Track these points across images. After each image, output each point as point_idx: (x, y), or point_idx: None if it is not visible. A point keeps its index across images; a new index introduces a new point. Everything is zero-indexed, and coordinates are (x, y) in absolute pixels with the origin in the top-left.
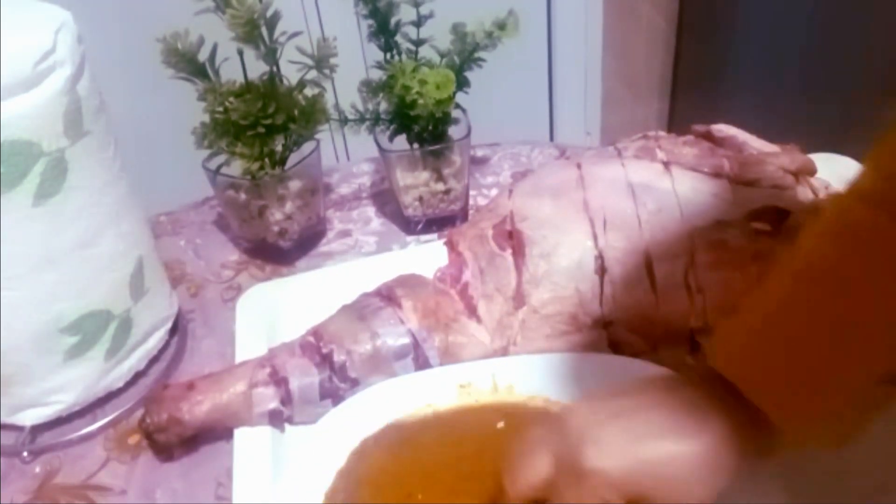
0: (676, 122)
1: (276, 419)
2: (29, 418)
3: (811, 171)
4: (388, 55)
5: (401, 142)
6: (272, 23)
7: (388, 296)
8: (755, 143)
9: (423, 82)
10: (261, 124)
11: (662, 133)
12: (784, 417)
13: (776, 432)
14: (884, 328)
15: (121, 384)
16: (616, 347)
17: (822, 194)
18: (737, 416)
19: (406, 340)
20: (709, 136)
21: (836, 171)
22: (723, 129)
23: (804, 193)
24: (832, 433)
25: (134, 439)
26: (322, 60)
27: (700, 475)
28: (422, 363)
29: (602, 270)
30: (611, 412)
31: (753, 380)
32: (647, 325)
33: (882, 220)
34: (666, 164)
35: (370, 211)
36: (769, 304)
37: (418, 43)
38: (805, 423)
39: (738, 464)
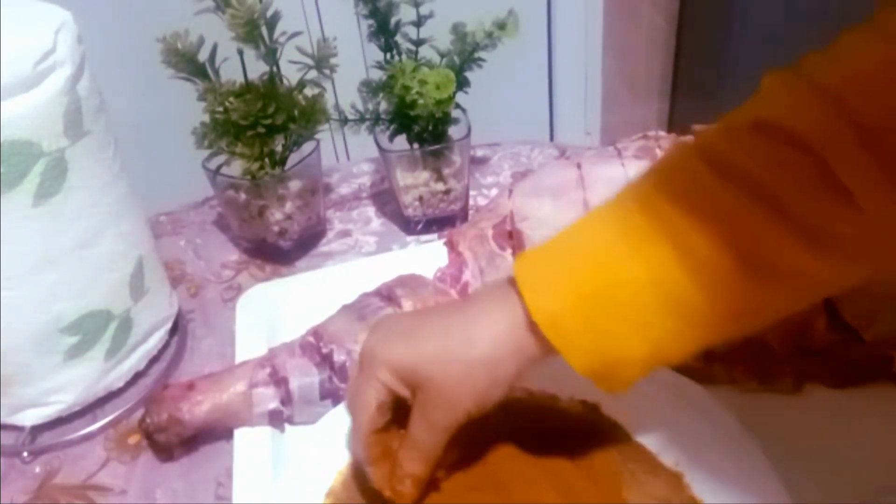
0: (677, 122)
1: (276, 419)
2: (29, 418)
3: None
4: (388, 55)
5: (401, 142)
6: (272, 23)
7: (388, 296)
8: None
9: (423, 82)
10: (261, 124)
11: (662, 133)
12: (568, 353)
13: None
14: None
15: (121, 384)
16: None
17: None
18: (522, 335)
19: None
20: None
21: None
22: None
23: None
24: (615, 379)
25: (134, 439)
26: (322, 60)
27: (472, 379)
28: None
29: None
30: (408, 316)
31: (549, 317)
32: None
33: (698, 164)
34: None
35: (370, 211)
36: (577, 235)
37: (418, 43)
38: (588, 364)
39: (510, 379)
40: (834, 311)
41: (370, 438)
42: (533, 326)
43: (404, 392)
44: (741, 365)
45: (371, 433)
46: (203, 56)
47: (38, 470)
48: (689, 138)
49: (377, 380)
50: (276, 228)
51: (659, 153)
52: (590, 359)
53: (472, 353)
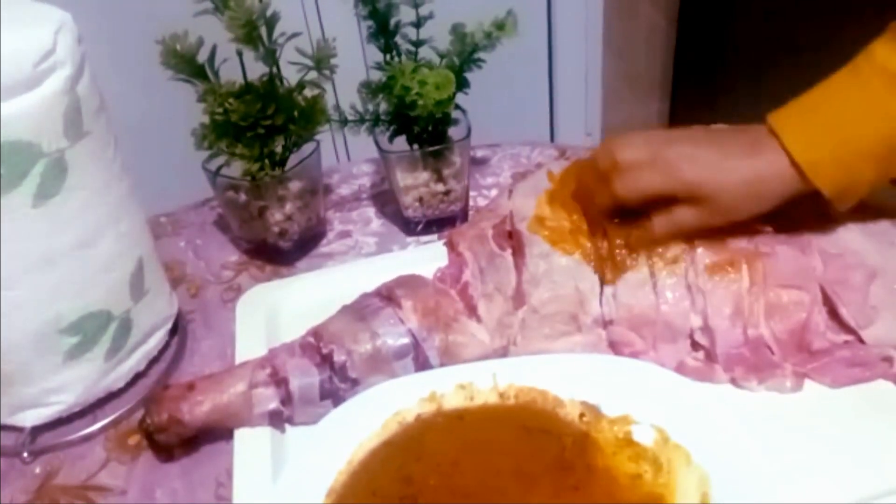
0: (677, 122)
1: (277, 419)
2: (29, 419)
3: None
4: (388, 56)
5: (401, 143)
6: (271, 24)
7: (387, 296)
8: None
9: (422, 83)
10: (261, 125)
11: None
12: (822, 182)
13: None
14: None
15: (121, 385)
16: (616, 347)
17: None
18: (786, 164)
19: (406, 340)
20: None
21: None
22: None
23: None
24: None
25: (134, 440)
26: (322, 61)
27: (752, 188)
28: (422, 363)
29: (602, 270)
30: (698, 137)
31: (805, 150)
32: (648, 325)
33: None
34: None
35: (370, 212)
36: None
37: (418, 44)
38: (834, 191)
39: (781, 196)
40: (834, 310)
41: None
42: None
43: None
44: (741, 364)
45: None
46: (202, 57)
47: (38, 470)
48: None
49: (664, 179)
50: (276, 229)
51: None
52: (838, 190)
53: (747, 173)
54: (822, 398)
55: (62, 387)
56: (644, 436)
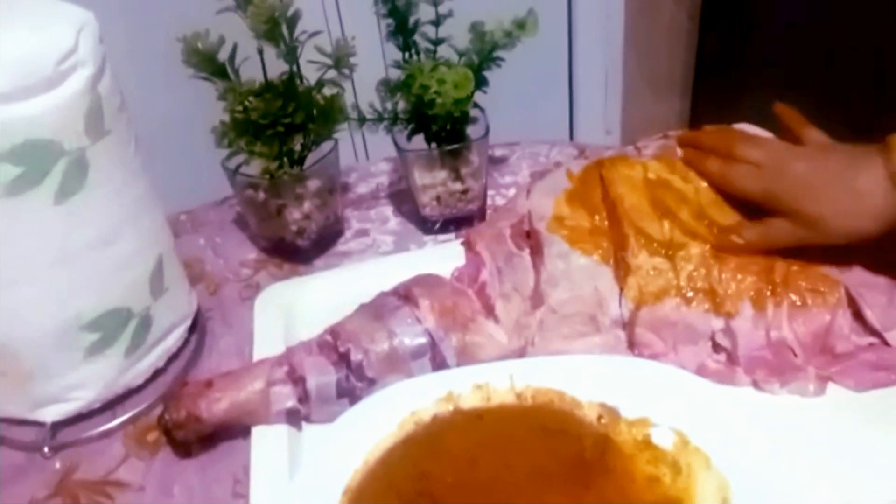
0: (698, 122)
1: (294, 418)
2: (50, 414)
3: None
4: (407, 54)
5: (419, 141)
6: (292, 22)
7: (405, 295)
8: None
9: (441, 82)
10: (280, 124)
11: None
12: None
13: None
14: None
15: (140, 381)
16: (635, 349)
17: None
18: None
19: (423, 340)
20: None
21: None
22: (746, 129)
23: None
24: None
25: (153, 436)
26: (341, 60)
27: (856, 207)
28: (439, 363)
29: (621, 270)
30: (816, 161)
31: None
32: (668, 327)
33: None
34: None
35: (388, 210)
36: None
37: (437, 42)
38: None
39: (886, 216)
40: (858, 312)
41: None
42: None
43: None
44: (763, 367)
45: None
46: (223, 56)
47: (58, 465)
48: None
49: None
50: (294, 227)
51: (680, 153)
52: None
53: (858, 198)
54: (844, 401)
55: (82, 383)
56: (663, 439)
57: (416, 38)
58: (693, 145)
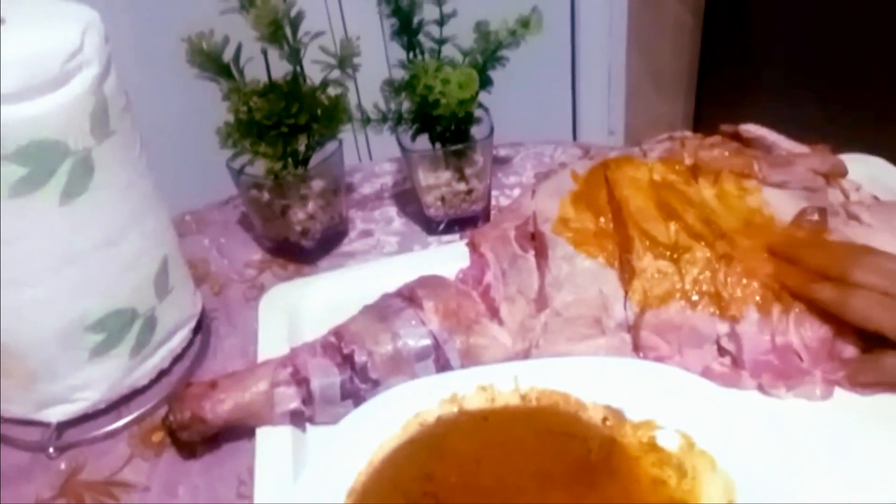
0: (703, 122)
1: (298, 419)
2: (55, 415)
3: (842, 172)
4: (411, 54)
5: (423, 141)
6: (296, 22)
7: (409, 296)
8: (785, 144)
9: (445, 81)
10: (284, 124)
11: (689, 133)
12: None
13: None
14: None
15: (145, 382)
16: (640, 352)
17: (853, 196)
18: None
19: (427, 342)
20: (737, 137)
21: (868, 173)
22: (751, 129)
23: (835, 196)
24: None
25: (157, 437)
26: (345, 60)
27: None
28: (443, 365)
29: (626, 272)
30: None
31: None
32: (673, 330)
33: None
34: (692, 167)
35: (392, 211)
36: None
37: (441, 42)
38: None
39: None
40: None
41: None
42: None
43: None
44: (768, 371)
45: None
46: (227, 56)
47: (63, 466)
48: None
49: None
50: (298, 228)
51: (684, 155)
52: None
53: None
54: (850, 403)
55: (87, 383)
56: (668, 441)
57: (421, 37)
58: (790, 260)
